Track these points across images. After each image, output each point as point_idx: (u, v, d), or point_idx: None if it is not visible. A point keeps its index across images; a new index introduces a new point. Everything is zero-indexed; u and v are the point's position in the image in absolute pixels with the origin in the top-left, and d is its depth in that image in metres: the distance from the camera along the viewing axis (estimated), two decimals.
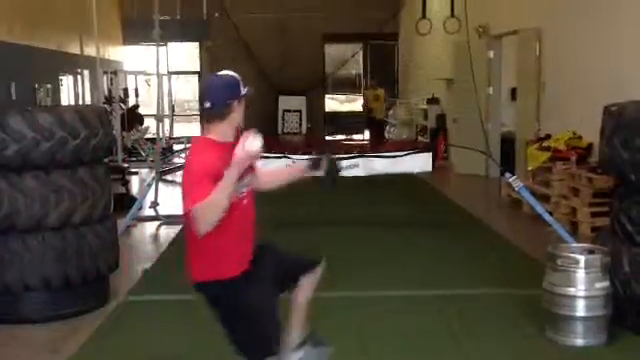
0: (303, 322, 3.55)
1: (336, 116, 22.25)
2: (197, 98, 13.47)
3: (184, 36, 20.08)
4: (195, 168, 3.00)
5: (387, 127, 18.34)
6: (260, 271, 3.24)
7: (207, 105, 3.09)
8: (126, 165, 11.96)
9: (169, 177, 12.59)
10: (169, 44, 18.86)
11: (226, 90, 3.15)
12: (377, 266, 6.71)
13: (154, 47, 10.52)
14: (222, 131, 3.14)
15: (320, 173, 3.44)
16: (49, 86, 13.51)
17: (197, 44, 21.68)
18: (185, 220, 3.05)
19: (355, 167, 7.90)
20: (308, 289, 3.51)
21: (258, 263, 3.27)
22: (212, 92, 3.15)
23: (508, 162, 10.70)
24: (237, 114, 3.17)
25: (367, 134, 18.48)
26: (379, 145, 14.54)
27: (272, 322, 3.25)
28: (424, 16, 15.63)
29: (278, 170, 3.12)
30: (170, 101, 18.68)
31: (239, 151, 2.89)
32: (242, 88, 3.19)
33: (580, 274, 4.53)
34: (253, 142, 2.92)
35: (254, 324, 3.19)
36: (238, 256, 3.20)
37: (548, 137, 9.35)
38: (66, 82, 14.95)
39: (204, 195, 2.85)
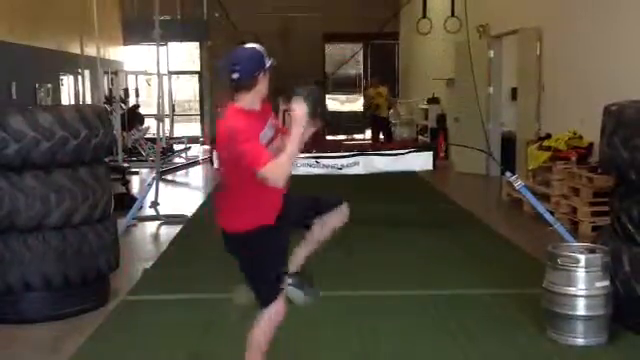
0: (306, 255, 3.76)
1: (337, 116, 22.25)
2: (199, 96, 13.58)
3: (184, 36, 20.09)
4: (240, 131, 3.23)
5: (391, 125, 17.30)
6: (285, 219, 3.52)
7: (235, 76, 3.28)
8: (126, 165, 11.96)
9: (169, 177, 12.61)
10: (169, 44, 18.87)
11: (252, 63, 3.32)
12: (376, 265, 6.71)
13: (154, 47, 10.53)
14: (250, 100, 3.35)
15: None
16: (49, 86, 13.53)
17: (197, 44, 21.70)
18: (231, 177, 3.41)
19: (356, 165, 7.90)
20: (327, 227, 3.69)
21: (285, 212, 3.52)
22: (239, 64, 3.30)
23: (508, 161, 10.71)
24: (262, 85, 3.36)
25: (369, 133, 17.70)
26: (388, 144, 14.52)
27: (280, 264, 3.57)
28: (424, 16, 15.65)
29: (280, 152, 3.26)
30: (170, 101, 18.69)
31: (298, 111, 3.23)
32: (267, 60, 3.36)
33: (580, 273, 4.53)
34: (301, 105, 3.24)
35: (268, 263, 3.54)
36: (272, 207, 3.47)
37: (548, 137, 9.36)
38: (66, 82, 14.96)
39: (267, 154, 3.19)
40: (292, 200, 3.56)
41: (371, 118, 16.10)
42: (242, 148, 3.20)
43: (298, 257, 3.73)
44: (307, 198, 3.69)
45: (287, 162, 3.21)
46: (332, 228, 3.70)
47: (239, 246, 3.53)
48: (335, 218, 3.70)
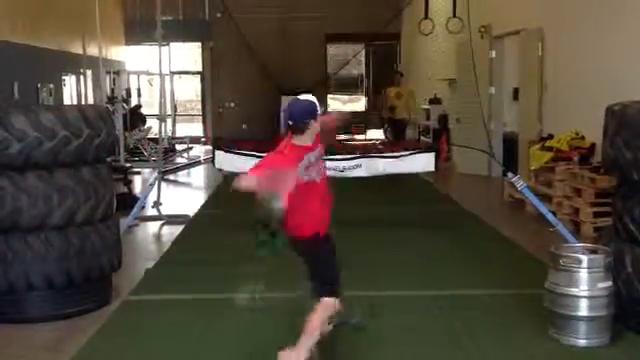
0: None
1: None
2: (201, 96, 13.66)
3: (186, 36, 20.12)
4: (279, 153, 3.96)
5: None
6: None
7: (290, 123, 3.92)
8: (128, 165, 11.98)
9: (171, 177, 12.61)
10: (171, 44, 18.87)
11: (306, 113, 3.93)
12: (378, 266, 6.71)
13: (156, 47, 10.53)
14: (302, 140, 3.95)
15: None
16: (52, 86, 13.54)
17: (199, 44, 21.71)
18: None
19: (358, 167, 7.89)
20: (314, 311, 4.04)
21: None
22: (293, 113, 3.93)
23: (510, 162, 10.72)
24: (314, 128, 3.94)
25: (383, 135, 17.45)
26: (390, 145, 14.38)
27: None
28: (426, 16, 15.64)
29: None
30: (172, 101, 18.70)
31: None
32: (318, 109, 3.98)
33: (583, 274, 4.52)
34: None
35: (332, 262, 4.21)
36: (320, 221, 4.15)
37: (550, 137, 9.35)
38: (69, 82, 14.97)
39: (260, 169, 3.81)
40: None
41: (387, 121, 15.05)
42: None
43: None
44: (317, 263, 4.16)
45: (248, 178, 3.73)
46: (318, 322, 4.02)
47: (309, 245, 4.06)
48: (318, 313, 4.03)
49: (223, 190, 11.36)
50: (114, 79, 16.10)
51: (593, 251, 4.68)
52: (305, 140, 3.95)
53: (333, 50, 21.90)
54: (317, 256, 4.11)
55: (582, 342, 4.57)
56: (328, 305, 4.02)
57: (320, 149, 4.06)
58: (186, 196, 11.58)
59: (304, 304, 4.08)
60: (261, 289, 5.69)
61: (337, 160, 7.91)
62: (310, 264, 4.12)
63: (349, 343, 4.72)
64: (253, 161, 7.74)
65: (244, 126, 19.21)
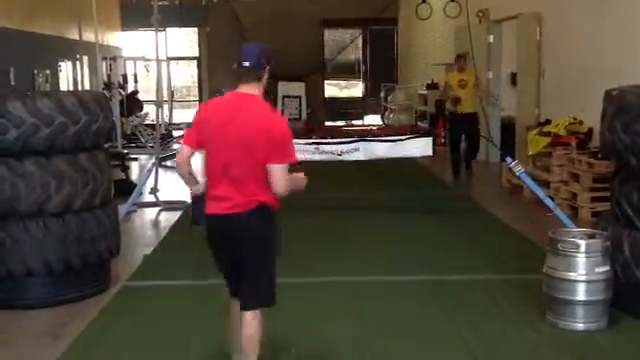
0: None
1: (336, 101, 22.23)
2: (198, 82, 13.53)
3: (183, 22, 20.02)
4: (287, 129, 3.49)
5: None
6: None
7: (246, 64, 3.48)
8: (126, 151, 11.95)
9: (169, 163, 12.58)
10: (168, 30, 18.80)
11: (265, 54, 3.55)
12: (375, 251, 6.71)
13: (153, 33, 10.48)
14: (260, 91, 3.54)
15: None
16: (48, 72, 13.49)
17: (196, 30, 21.63)
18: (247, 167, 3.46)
19: (356, 151, 7.89)
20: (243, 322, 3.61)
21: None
22: (253, 54, 3.53)
23: (508, 147, 10.70)
24: (265, 78, 3.56)
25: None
26: (386, 129, 13.77)
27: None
28: (424, 0, 15.58)
29: None
30: (169, 87, 18.64)
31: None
32: (272, 57, 3.59)
33: (581, 259, 4.54)
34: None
35: (273, 259, 3.73)
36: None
37: (548, 122, 9.35)
38: (65, 68, 14.92)
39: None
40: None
41: (448, 118, 11.60)
42: (285, 143, 3.46)
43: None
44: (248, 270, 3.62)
45: (292, 182, 3.62)
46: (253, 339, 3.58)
47: (255, 224, 3.56)
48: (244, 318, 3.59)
49: None
50: (110, 65, 16.03)
51: (591, 236, 4.69)
52: (260, 93, 3.55)
53: (330, 35, 21.83)
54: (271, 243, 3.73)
55: (580, 326, 4.59)
56: (260, 317, 3.62)
57: None
58: (183, 182, 11.55)
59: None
60: None
61: (335, 144, 7.91)
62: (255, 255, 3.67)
63: (347, 327, 4.73)
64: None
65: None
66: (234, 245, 3.54)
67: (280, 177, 3.46)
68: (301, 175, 3.66)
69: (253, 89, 3.51)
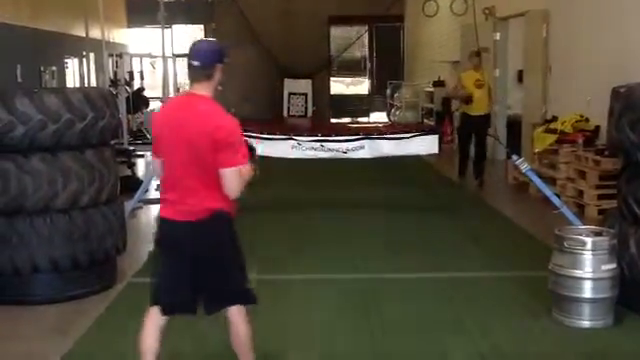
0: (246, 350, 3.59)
1: (342, 99, 22.20)
2: None
3: (189, 18, 20.04)
4: (238, 131, 3.36)
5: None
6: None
7: (195, 64, 3.38)
8: (132, 148, 11.97)
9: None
10: (174, 27, 18.79)
11: (215, 54, 3.45)
12: (381, 248, 6.72)
13: (159, 30, 10.49)
14: (210, 90, 3.42)
15: None
16: (54, 68, 13.52)
17: (202, 26, 21.62)
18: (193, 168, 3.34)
19: (361, 149, 7.87)
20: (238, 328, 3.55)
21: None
22: (202, 52, 3.44)
23: (514, 144, 10.67)
24: (218, 78, 3.45)
25: (376, 118, 16.99)
26: (392, 127, 13.51)
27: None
28: None
29: None
30: (175, 84, 18.64)
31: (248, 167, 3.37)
32: (225, 55, 3.49)
33: (587, 256, 4.53)
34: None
35: (240, 261, 3.52)
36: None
37: (555, 119, 9.32)
38: (71, 65, 14.95)
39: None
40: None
41: (460, 118, 10.53)
42: (232, 145, 3.29)
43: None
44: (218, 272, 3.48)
45: (244, 182, 3.37)
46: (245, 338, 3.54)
47: (214, 230, 3.42)
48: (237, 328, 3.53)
49: None
50: (117, 62, 16.04)
51: (597, 233, 4.68)
52: (210, 92, 3.42)
53: (336, 32, 21.79)
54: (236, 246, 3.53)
55: (586, 324, 4.59)
56: (243, 313, 3.56)
57: None
58: None
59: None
60: (260, 271, 5.72)
61: (340, 141, 7.90)
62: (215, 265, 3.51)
63: (353, 324, 4.74)
64: (255, 142, 7.78)
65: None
66: (187, 252, 3.41)
67: (231, 181, 3.29)
68: (246, 169, 3.38)
69: (203, 89, 3.39)
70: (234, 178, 3.29)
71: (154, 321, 3.56)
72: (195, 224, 3.36)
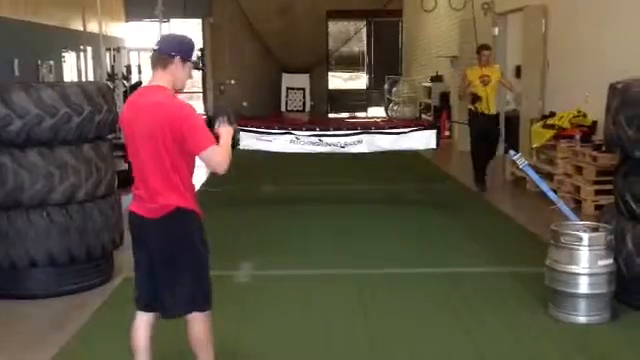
0: None
1: (340, 94, 22.19)
2: (201, 76, 13.46)
3: (187, 12, 19.97)
4: (195, 115, 3.30)
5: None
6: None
7: (155, 47, 3.36)
8: None
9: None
10: (172, 20, 18.76)
11: (178, 43, 3.40)
12: (378, 243, 6.72)
13: (157, 23, 10.47)
14: (167, 82, 3.34)
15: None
16: (52, 62, 13.47)
17: (200, 21, 21.57)
18: (159, 158, 3.26)
19: (359, 143, 7.87)
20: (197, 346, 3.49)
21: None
22: (162, 40, 3.47)
23: (512, 140, 10.67)
24: (179, 73, 3.35)
25: (374, 113, 16.90)
26: (390, 122, 13.36)
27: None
28: None
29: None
30: None
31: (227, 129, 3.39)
32: (193, 53, 3.40)
33: (584, 252, 4.53)
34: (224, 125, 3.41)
35: (204, 261, 3.43)
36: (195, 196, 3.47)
37: (552, 115, 9.32)
38: (69, 59, 14.90)
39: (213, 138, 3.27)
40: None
41: (468, 116, 9.66)
42: (199, 130, 3.24)
43: None
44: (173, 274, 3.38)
45: (227, 151, 3.32)
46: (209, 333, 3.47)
47: (172, 229, 3.33)
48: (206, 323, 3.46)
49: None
50: (114, 56, 16.01)
51: (594, 229, 4.69)
52: (167, 83, 3.30)
53: (334, 27, 21.76)
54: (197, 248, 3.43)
55: (582, 319, 4.60)
56: (205, 320, 3.47)
57: None
58: None
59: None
60: (259, 266, 5.72)
61: (338, 136, 7.89)
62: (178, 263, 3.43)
63: (350, 319, 4.74)
64: (254, 137, 7.78)
65: (244, 104, 19.15)
66: (149, 250, 3.36)
67: (212, 160, 3.24)
68: (225, 131, 3.38)
69: (161, 79, 3.32)
70: (214, 155, 3.24)
71: (140, 316, 3.54)
72: (155, 221, 3.31)
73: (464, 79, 9.64)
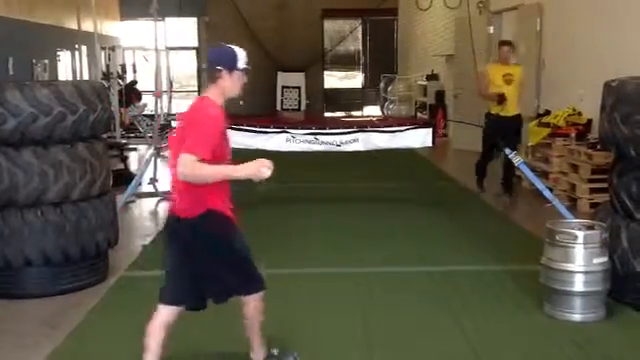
0: (260, 338, 3.82)
1: (335, 92, 22.18)
2: (197, 73, 13.46)
3: (182, 11, 19.92)
4: (204, 122, 3.35)
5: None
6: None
7: (203, 65, 3.39)
8: (124, 141, 11.94)
9: (167, 153, 12.57)
10: (167, 19, 18.71)
11: (220, 57, 3.50)
12: (374, 242, 6.72)
13: (152, 22, 10.45)
14: (216, 94, 3.48)
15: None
16: (46, 61, 13.45)
17: (195, 19, 21.54)
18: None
19: (355, 142, 7.87)
20: (253, 312, 3.71)
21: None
22: (210, 55, 3.59)
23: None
24: (227, 84, 3.48)
25: (369, 112, 17.03)
26: (386, 120, 13.37)
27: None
28: None
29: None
30: (168, 77, 18.58)
31: (253, 169, 3.31)
32: (239, 62, 3.49)
33: (579, 250, 4.54)
34: (265, 172, 3.30)
35: (238, 254, 3.62)
36: (228, 204, 3.55)
37: (548, 113, 9.33)
38: (63, 57, 14.88)
39: (205, 154, 3.25)
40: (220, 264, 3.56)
41: (486, 120, 8.81)
42: (197, 134, 3.30)
43: (256, 341, 3.81)
44: (232, 269, 3.59)
45: (209, 173, 3.31)
46: (259, 309, 3.70)
47: (201, 231, 3.48)
48: (255, 304, 3.69)
49: None
50: (109, 55, 15.98)
51: (589, 227, 4.69)
52: (218, 97, 3.48)
53: (330, 26, 21.75)
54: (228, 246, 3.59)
55: (577, 317, 4.60)
56: (259, 299, 3.70)
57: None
58: None
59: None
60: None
61: (334, 134, 7.89)
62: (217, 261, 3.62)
63: (347, 318, 4.74)
64: (250, 136, 7.77)
65: (241, 103, 19.20)
66: (187, 249, 3.50)
67: (180, 165, 3.28)
68: (247, 167, 3.34)
69: (208, 90, 3.51)
70: (184, 163, 3.25)
71: (161, 312, 3.62)
72: (189, 220, 3.44)
73: (484, 77, 8.82)
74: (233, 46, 3.54)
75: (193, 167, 3.24)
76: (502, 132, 8.32)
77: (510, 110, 8.52)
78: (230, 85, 3.48)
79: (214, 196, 3.45)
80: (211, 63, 3.48)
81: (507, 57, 8.78)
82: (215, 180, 3.36)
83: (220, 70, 3.44)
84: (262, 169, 3.29)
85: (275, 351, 3.91)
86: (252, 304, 3.66)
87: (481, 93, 8.92)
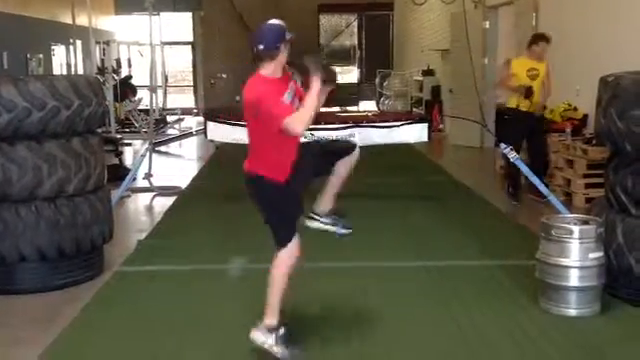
0: (331, 198, 4.31)
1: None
2: (193, 67, 13.58)
3: (177, 6, 19.92)
4: (263, 95, 3.75)
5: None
6: (302, 170, 4.03)
7: (260, 47, 3.77)
8: (119, 136, 11.91)
9: (163, 148, 12.56)
10: (162, 14, 18.68)
11: (275, 35, 3.80)
12: (369, 237, 6.69)
13: (147, 17, 10.42)
14: (272, 69, 3.81)
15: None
16: (41, 56, 13.42)
17: (190, 14, 21.51)
18: (254, 134, 3.90)
19: (351, 137, 7.85)
20: (343, 171, 4.21)
21: (297, 170, 4.00)
22: (264, 36, 3.80)
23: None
24: (283, 55, 3.82)
25: (365, 107, 17.23)
26: (382, 115, 13.41)
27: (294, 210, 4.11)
28: None
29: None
30: (163, 72, 18.55)
31: (318, 85, 3.76)
32: (287, 34, 3.83)
33: (574, 245, 4.54)
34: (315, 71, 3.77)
35: (282, 208, 4.06)
36: (284, 166, 3.93)
37: (543, 108, 9.32)
38: (58, 52, 14.84)
39: (289, 108, 3.75)
40: (311, 152, 4.11)
41: (510, 115, 8.25)
42: (267, 108, 3.70)
43: (326, 199, 4.28)
44: (324, 150, 4.24)
45: (306, 113, 3.72)
46: (349, 168, 4.21)
47: (256, 190, 3.96)
48: (349, 160, 4.19)
49: (215, 161, 11.33)
50: (104, 49, 15.94)
51: (585, 222, 4.69)
52: (275, 71, 3.82)
53: (325, 21, 21.73)
54: (270, 204, 4.02)
55: (573, 312, 4.60)
56: (288, 256, 4.00)
57: (294, 83, 3.94)
58: (177, 168, 11.54)
59: None
60: (252, 259, 5.70)
61: (330, 130, 7.88)
62: (262, 212, 4.07)
63: (341, 312, 4.74)
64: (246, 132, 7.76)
65: (237, 98, 19.16)
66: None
67: (291, 127, 3.66)
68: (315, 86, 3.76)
69: (264, 67, 3.81)
70: (291, 123, 3.65)
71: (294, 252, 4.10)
72: (255, 178, 3.93)
73: (506, 69, 8.22)
74: (274, 21, 3.84)
75: (294, 122, 3.65)
76: (528, 127, 7.88)
77: (537, 107, 7.99)
78: (284, 57, 3.80)
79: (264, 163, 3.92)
80: (268, 44, 3.74)
81: (542, 56, 8.03)
82: (314, 112, 3.75)
83: (278, 47, 3.75)
84: (320, 88, 3.75)
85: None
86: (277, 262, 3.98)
87: (502, 84, 8.35)
